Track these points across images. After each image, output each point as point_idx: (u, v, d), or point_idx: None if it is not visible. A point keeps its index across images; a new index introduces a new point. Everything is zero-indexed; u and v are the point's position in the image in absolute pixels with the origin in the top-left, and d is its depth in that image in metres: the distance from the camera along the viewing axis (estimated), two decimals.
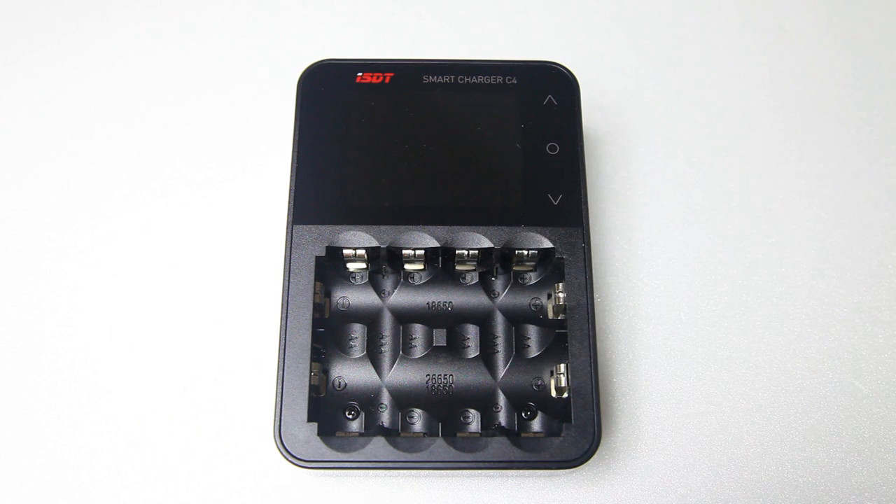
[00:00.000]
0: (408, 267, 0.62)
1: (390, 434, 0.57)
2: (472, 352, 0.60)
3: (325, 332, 0.60)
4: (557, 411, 0.59)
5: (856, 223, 0.72)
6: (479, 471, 0.58)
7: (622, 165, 0.73)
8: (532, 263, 0.62)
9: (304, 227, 0.60)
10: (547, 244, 0.60)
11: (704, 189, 0.73)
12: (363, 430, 0.59)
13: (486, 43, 0.79)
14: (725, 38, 0.80)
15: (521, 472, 0.59)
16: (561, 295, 0.59)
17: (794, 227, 0.71)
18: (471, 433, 0.59)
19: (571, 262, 0.59)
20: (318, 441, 0.55)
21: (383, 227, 0.60)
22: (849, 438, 0.64)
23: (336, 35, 0.79)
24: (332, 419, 0.59)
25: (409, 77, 0.65)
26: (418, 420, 0.59)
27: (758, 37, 0.80)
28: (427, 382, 0.60)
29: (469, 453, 0.55)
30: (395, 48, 0.78)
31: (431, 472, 0.60)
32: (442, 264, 0.61)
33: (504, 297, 0.62)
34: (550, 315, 0.61)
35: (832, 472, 0.63)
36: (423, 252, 0.60)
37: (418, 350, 0.60)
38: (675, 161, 0.74)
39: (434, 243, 0.60)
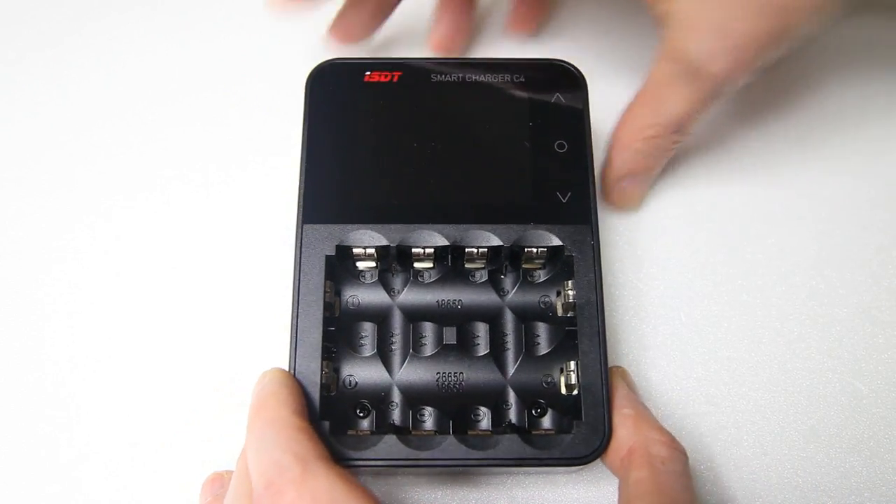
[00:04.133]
0: (417, 265, 0.63)
1: (401, 432, 0.57)
2: (482, 349, 0.61)
3: (335, 330, 0.61)
4: (567, 408, 0.60)
5: (856, 223, 0.73)
6: (490, 468, 0.58)
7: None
8: (541, 261, 0.63)
9: (314, 226, 0.61)
10: (556, 242, 0.61)
11: (704, 189, 0.74)
12: (374, 429, 0.60)
13: (490, 42, 0.81)
14: None
15: (531, 468, 0.59)
16: (570, 292, 0.60)
17: (794, 228, 0.73)
18: (482, 431, 0.60)
19: (580, 259, 0.60)
20: (330, 440, 0.56)
21: (393, 226, 0.61)
22: (848, 439, 0.66)
23: None
24: (343, 417, 0.60)
25: (417, 76, 0.66)
26: (429, 418, 0.60)
27: None
28: (437, 380, 0.61)
29: (480, 451, 0.56)
30: (403, 47, 0.80)
31: (442, 469, 0.61)
32: (451, 262, 0.63)
33: (513, 294, 0.63)
34: (559, 312, 0.62)
35: (832, 473, 0.65)
36: (432, 250, 0.61)
37: (428, 348, 0.61)
38: (675, 161, 0.75)
39: (444, 242, 0.61)
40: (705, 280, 0.71)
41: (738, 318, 0.70)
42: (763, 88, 0.79)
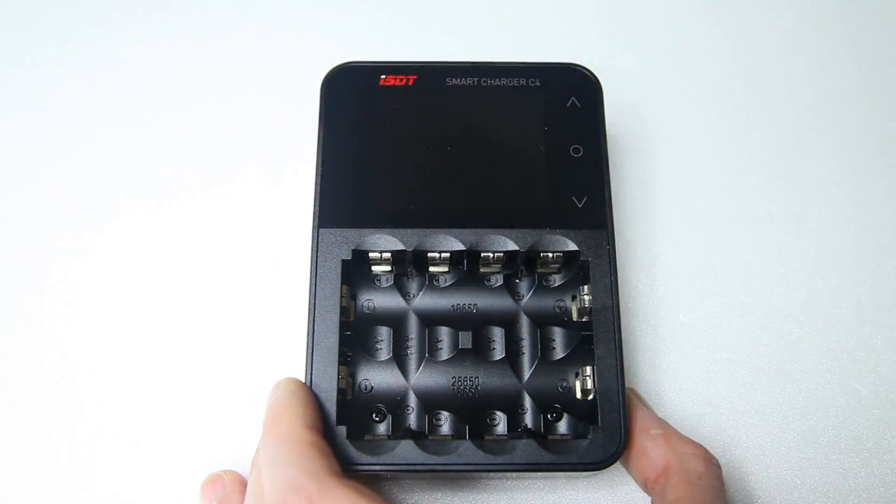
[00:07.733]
0: (433, 269, 0.64)
1: (418, 437, 0.58)
2: (498, 354, 0.63)
3: (351, 335, 0.62)
4: (583, 413, 0.61)
5: (855, 224, 0.75)
6: (507, 473, 0.60)
7: (620, 168, 0.77)
8: (557, 266, 0.64)
9: (330, 230, 0.62)
10: (572, 247, 0.62)
11: (704, 190, 0.76)
12: (390, 433, 0.61)
13: (504, 45, 0.82)
14: (726, 40, 0.83)
15: (546, 473, 0.61)
16: (586, 297, 0.61)
17: (794, 228, 0.75)
18: (498, 436, 0.61)
19: (596, 264, 0.62)
20: (347, 444, 0.57)
21: (409, 231, 0.62)
22: (847, 440, 0.68)
23: (359, 37, 0.82)
24: (359, 422, 0.61)
25: (432, 79, 0.67)
26: (445, 422, 0.61)
27: (757, 38, 0.83)
28: (453, 385, 0.62)
29: (497, 455, 0.57)
30: (416, 51, 0.81)
31: (458, 474, 0.62)
32: (467, 267, 0.64)
33: (529, 299, 0.65)
34: (575, 317, 0.64)
35: (830, 474, 0.67)
36: (448, 255, 0.62)
37: (444, 352, 0.62)
38: (674, 163, 0.77)
39: (459, 246, 0.62)
40: (704, 281, 0.73)
41: (738, 319, 0.72)
42: (762, 89, 0.81)
